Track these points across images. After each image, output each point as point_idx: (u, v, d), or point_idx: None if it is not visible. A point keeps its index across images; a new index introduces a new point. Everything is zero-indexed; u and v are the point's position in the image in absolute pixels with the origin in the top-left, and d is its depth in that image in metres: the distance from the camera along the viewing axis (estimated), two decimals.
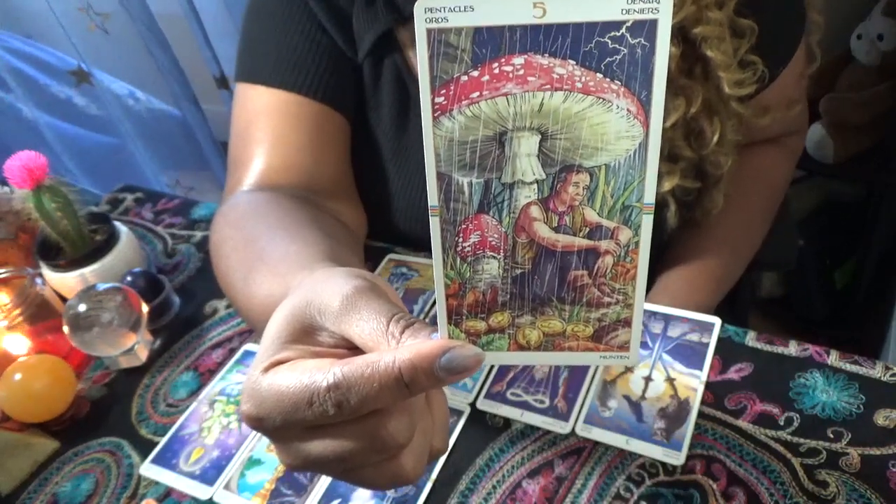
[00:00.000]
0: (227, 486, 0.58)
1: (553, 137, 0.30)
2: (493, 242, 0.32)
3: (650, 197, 0.31)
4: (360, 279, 0.35)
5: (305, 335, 0.34)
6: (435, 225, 0.32)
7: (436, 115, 0.30)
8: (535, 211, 0.32)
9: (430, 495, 0.54)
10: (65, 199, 0.73)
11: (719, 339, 0.60)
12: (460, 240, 0.32)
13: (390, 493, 0.55)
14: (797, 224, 1.43)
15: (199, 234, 0.86)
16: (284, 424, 0.32)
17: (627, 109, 0.29)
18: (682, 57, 0.60)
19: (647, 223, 0.31)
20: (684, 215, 0.69)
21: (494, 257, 0.32)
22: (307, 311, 0.34)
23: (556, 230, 0.32)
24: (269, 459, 0.59)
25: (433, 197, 0.31)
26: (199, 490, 0.58)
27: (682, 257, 0.75)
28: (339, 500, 0.55)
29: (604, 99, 0.29)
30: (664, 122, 0.58)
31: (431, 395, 0.36)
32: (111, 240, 0.76)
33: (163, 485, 0.60)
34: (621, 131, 0.29)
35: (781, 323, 1.52)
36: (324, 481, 0.56)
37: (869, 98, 1.23)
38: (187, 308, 0.76)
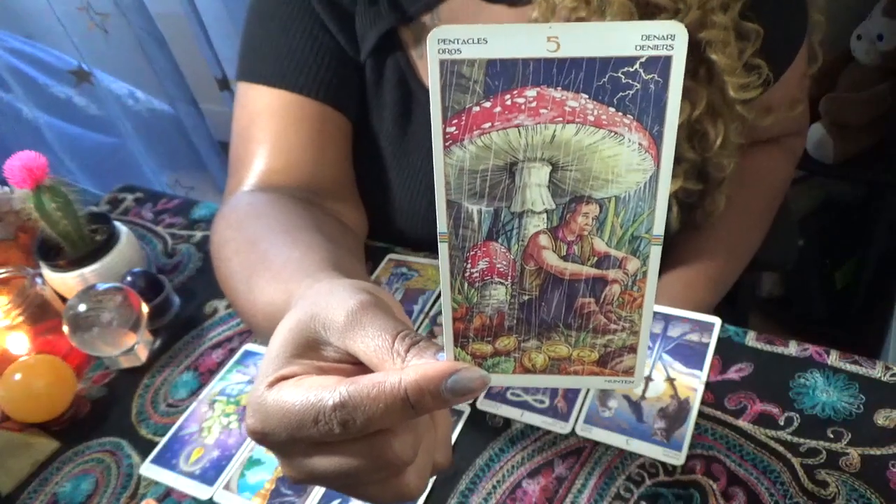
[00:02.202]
0: (227, 486, 0.58)
1: (564, 169, 0.30)
2: (502, 269, 0.32)
3: (659, 229, 0.31)
4: (365, 293, 0.35)
5: (310, 349, 0.34)
6: (444, 251, 0.32)
7: (447, 144, 0.30)
8: (544, 240, 0.32)
9: (430, 495, 0.54)
10: (65, 199, 0.73)
11: (719, 339, 0.60)
12: (468, 266, 0.32)
13: None
14: (797, 224, 1.43)
15: (199, 234, 0.86)
16: (289, 440, 0.32)
17: (639, 143, 0.29)
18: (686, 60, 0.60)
19: (655, 254, 0.32)
20: (685, 218, 0.69)
21: (502, 283, 0.33)
22: (312, 325, 0.34)
23: (565, 259, 0.32)
24: (269, 459, 0.59)
25: (442, 224, 0.32)
26: (199, 490, 0.58)
27: (680, 259, 0.75)
28: (339, 501, 0.55)
29: (616, 132, 0.29)
30: None
31: (435, 411, 0.36)
32: (111, 240, 0.76)
33: (163, 485, 0.60)
34: (632, 164, 0.30)
35: (781, 323, 1.52)
36: None
37: (869, 98, 1.23)
38: (187, 308, 0.76)
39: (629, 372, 0.34)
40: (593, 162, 0.30)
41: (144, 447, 0.63)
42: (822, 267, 1.45)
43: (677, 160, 0.64)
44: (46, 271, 0.75)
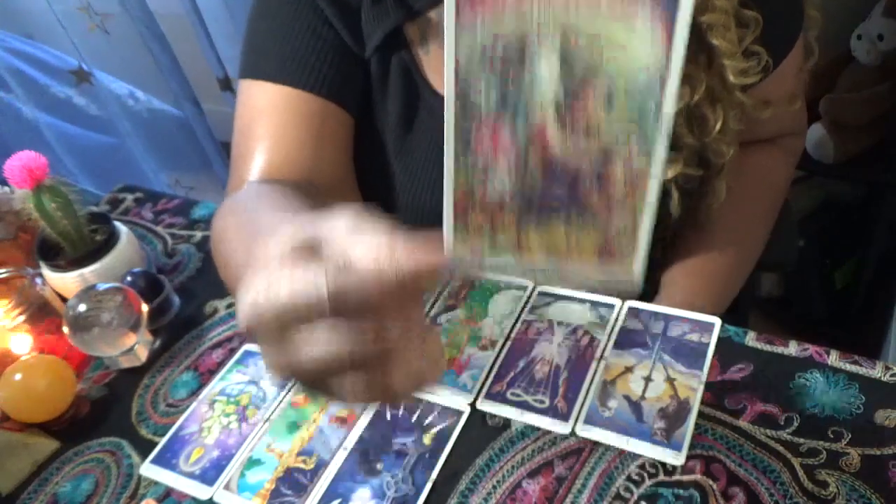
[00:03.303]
0: (226, 486, 0.58)
1: (574, 48, 0.30)
2: (506, 151, 0.32)
3: (669, 107, 0.30)
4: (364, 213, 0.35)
5: (308, 251, 0.34)
6: (449, 131, 0.32)
7: (461, 20, 0.30)
8: (551, 122, 0.31)
9: (430, 495, 0.54)
10: (65, 199, 0.73)
11: (719, 339, 0.60)
12: (473, 145, 0.32)
13: (390, 494, 0.55)
14: (797, 224, 1.43)
15: (198, 234, 0.86)
16: (280, 324, 0.32)
17: (652, 22, 0.29)
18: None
19: (662, 139, 0.31)
20: (687, 204, 0.70)
21: (506, 166, 0.32)
22: (310, 227, 0.34)
23: (570, 142, 0.32)
24: (268, 459, 0.59)
25: (450, 107, 0.31)
26: (198, 490, 0.58)
27: (686, 263, 0.75)
28: (339, 501, 0.55)
29: (629, 12, 0.29)
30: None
31: (424, 329, 0.36)
32: (111, 240, 0.76)
33: (163, 485, 0.60)
34: (645, 41, 0.29)
35: (781, 323, 1.52)
36: (324, 481, 0.56)
37: (869, 98, 1.23)
38: (187, 308, 0.76)
39: (627, 268, 0.33)
40: (605, 39, 0.29)
41: (144, 447, 0.63)
42: (821, 267, 1.45)
43: (677, 146, 0.65)
44: (46, 271, 0.75)
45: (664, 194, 0.67)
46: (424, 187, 0.70)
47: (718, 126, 0.64)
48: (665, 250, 0.77)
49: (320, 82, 0.65)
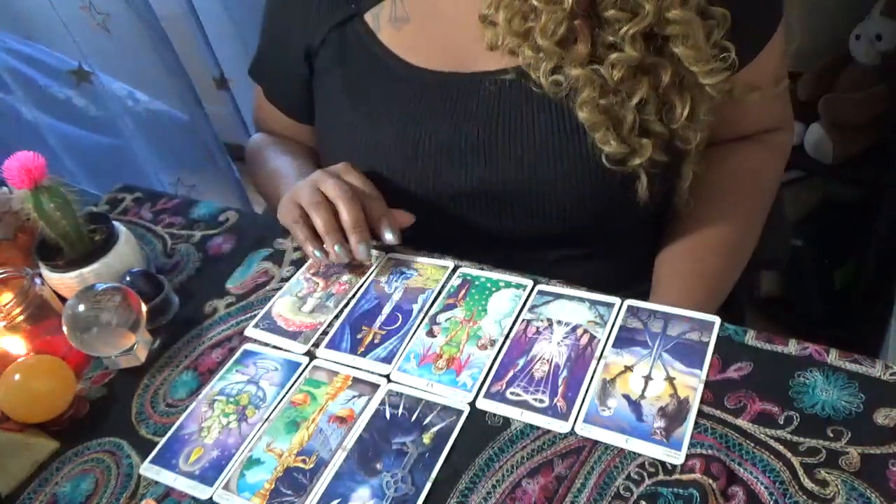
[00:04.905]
0: (226, 486, 0.58)
1: None
2: None
3: None
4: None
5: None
6: None
7: None
8: None
9: (429, 495, 0.54)
10: (63, 199, 0.73)
11: (719, 338, 0.60)
12: None
13: (389, 493, 0.55)
14: (796, 224, 1.43)
15: (198, 234, 0.86)
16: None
17: None
18: (647, 41, 0.63)
19: None
20: (658, 189, 0.71)
21: None
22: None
23: None
24: (268, 459, 0.59)
25: None
26: (198, 490, 0.58)
27: (675, 267, 0.75)
28: (338, 500, 0.55)
29: None
30: (630, 99, 0.64)
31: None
32: (110, 240, 0.76)
33: (162, 485, 0.60)
34: None
35: (781, 323, 1.52)
36: (323, 481, 0.56)
37: (868, 98, 1.23)
38: (187, 308, 0.76)
39: None
40: None
41: (144, 447, 0.63)
42: (821, 267, 1.45)
43: (646, 133, 0.66)
44: (45, 271, 0.75)
45: (633, 179, 0.69)
46: (382, 128, 0.76)
47: (686, 114, 0.65)
48: (632, 224, 0.78)
49: (295, 110, 0.90)
